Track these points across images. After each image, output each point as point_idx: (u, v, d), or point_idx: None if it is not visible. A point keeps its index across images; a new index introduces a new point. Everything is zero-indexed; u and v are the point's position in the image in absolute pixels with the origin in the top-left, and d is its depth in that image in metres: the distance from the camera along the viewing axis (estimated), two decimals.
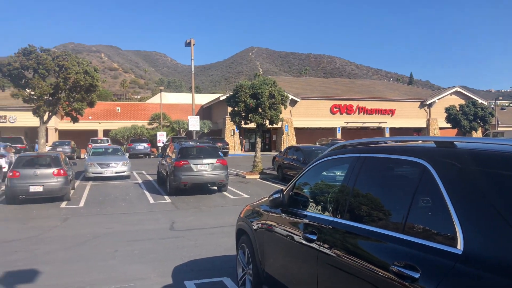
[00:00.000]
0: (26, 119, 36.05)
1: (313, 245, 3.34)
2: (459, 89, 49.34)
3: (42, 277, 5.99)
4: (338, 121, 45.18)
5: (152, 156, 36.23)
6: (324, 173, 4.19)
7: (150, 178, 19.06)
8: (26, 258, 7.07)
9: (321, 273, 3.21)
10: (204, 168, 14.09)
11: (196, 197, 13.80)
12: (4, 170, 16.68)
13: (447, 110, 39.28)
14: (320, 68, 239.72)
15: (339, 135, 43.83)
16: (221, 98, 41.58)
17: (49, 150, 26.00)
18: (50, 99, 22.12)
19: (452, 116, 38.58)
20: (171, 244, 7.94)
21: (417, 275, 2.25)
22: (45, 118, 22.41)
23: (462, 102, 41.97)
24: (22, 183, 12.46)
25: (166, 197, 13.88)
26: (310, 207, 3.87)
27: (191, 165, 13.93)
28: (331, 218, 3.28)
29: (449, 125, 40.14)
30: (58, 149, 27.05)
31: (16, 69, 20.66)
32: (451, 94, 48.83)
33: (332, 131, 45.12)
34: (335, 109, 45.20)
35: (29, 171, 12.71)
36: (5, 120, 39.17)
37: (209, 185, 14.85)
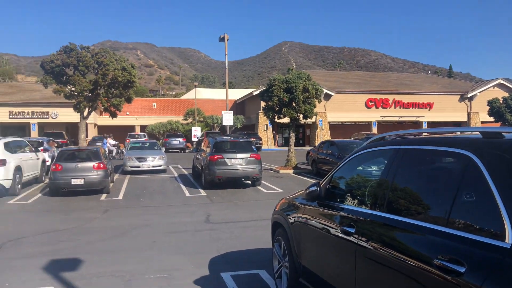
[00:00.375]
0: (67, 114, 37.53)
1: (351, 238, 3.29)
2: (502, 81, 47.13)
3: (85, 265, 6.22)
4: (374, 115, 44.29)
5: (187, 151, 36.84)
6: (362, 165, 4.12)
7: (185, 172, 19.39)
8: (69, 247, 7.36)
9: (359, 266, 3.17)
10: (238, 162, 14.17)
11: (231, 191, 13.92)
12: (48, 163, 17.38)
13: (490, 103, 37.60)
14: (354, 62, 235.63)
15: (374, 130, 42.97)
16: (254, 93, 41.68)
17: (114, 142, 27.42)
18: (90, 95, 22.86)
19: (495, 110, 36.88)
20: (207, 236, 8.05)
21: (462, 269, 2.18)
22: (85, 113, 23.19)
23: (506, 94, 40.02)
24: (65, 176, 12.95)
25: (201, 190, 14.08)
26: (348, 200, 3.81)
27: (225, 159, 14.04)
28: (370, 211, 3.22)
29: (491, 119, 38.40)
30: (97, 144, 27.97)
31: (58, 67, 21.47)
32: (493, 86, 46.74)
33: (367, 125, 44.28)
34: (370, 103, 44.32)
35: (70, 164, 13.19)
36: (47, 116, 40.88)
37: (243, 179, 14.93)
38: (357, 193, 3.85)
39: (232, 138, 16.31)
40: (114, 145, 28.48)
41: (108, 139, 29.71)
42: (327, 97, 41.20)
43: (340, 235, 3.48)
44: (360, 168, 4.15)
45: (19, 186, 13.59)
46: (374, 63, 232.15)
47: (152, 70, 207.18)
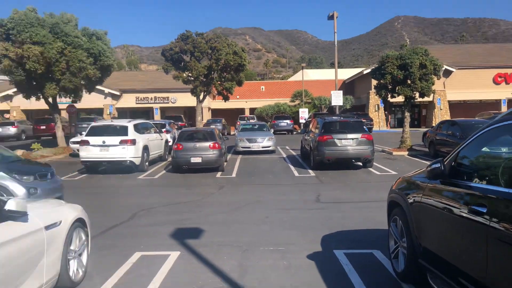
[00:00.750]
0: (185, 99, 40.46)
1: (481, 219, 3.02)
2: None
3: (205, 235, 6.73)
4: (504, 92, 39.37)
5: (294, 133, 37.15)
6: (495, 141, 3.71)
7: (293, 153, 19.60)
8: (192, 218, 8.01)
9: (491, 248, 2.89)
10: (348, 143, 13.85)
11: (340, 172, 13.71)
12: (169, 144, 19.01)
13: None
14: (480, 34, 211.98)
15: (504, 108, 38.30)
16: (365, 72, 40.14)
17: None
18: (204, 80, 24.29)
19: None
20: (318, 215, 8.08)
21: None
22: (201, 97, 24.75)
23: None
24: (185, 155, 14.05)
25: (310, 171, 14.12)
26: (477, 178, 3.48)
27: (335, 140, 13.82)
28: (506, 190, 2.90)
29: None
30: (211, 126, 29.67)
31: (176, 54, 23.21)
32: None
33: (495, 104, 39.64)
34: (499, 79, 39.56)
35: (189, 144, 14.25)
36: (168, 101, 44.50)
37: (353, 160, 14.59)
38: (488, 170, 3.50)
39: (342, 118, 15.94)
40: None
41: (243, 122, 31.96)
42: (447, 73, 37.83)
43: (468, 215, 3.21)
44: (491, 144, 3.75)
45: (147, 163, 15.12)
46: (504, 34, 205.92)
47: (260, 54, 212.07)
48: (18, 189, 7.42)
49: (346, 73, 53.07)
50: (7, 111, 42.36)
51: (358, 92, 46.39)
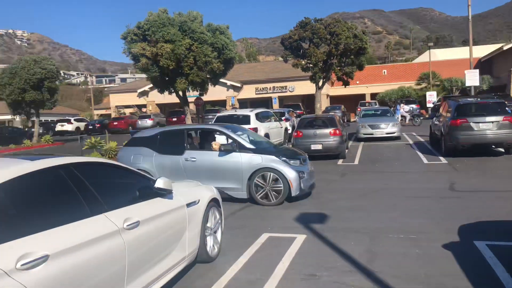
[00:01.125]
0: (302, 87, 40.68)
1: None
2: None
3: (330, 220, 6.69)
4: None
5: (421, 118, 34.63)
6: None
7: (421, 139, 18.32)
8: (315, 203, 8.04)
9: None
10: (487, 126, 12.43)
11: (477, 159, 12.38)
12: (289, 132, 19.32)
13: None
14: None
15: None
16: (505, 48, 35.56)
17: (408, 109, 28.65)
18: (323, 66, 24.04)
19: None
20: (453, 204, 7.43)
21: None
22: (320, 84, 24.59)
23: None
24: (305, 142, 14.12)
25: (441, 158, 13.04)
26: None
27: (471, 123, 12.52)
28: None
29: None
30: (330, 112, 29.31)
31: (295, 41, 23.38)
32: None
33: None
34: None
35: (309, 131, 14.28)
36: (285, 90, 45.17)
37: (493, 146, 13.06)
38: None
39: (478, 99, 14.35)
40: (407, 112, 29.03)
41: (402, 105, 30.70)
42: None
43: None
44: None
45: None
46: None
47: (380, 37, 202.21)
48: (290, 173, 7.78)
49: (482, 51, 47.44)
50: (144, 106, 47.67)
51: (497, 71, 41.17)
